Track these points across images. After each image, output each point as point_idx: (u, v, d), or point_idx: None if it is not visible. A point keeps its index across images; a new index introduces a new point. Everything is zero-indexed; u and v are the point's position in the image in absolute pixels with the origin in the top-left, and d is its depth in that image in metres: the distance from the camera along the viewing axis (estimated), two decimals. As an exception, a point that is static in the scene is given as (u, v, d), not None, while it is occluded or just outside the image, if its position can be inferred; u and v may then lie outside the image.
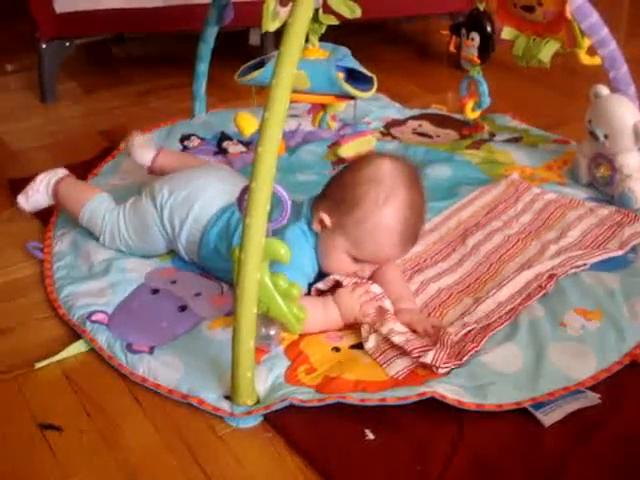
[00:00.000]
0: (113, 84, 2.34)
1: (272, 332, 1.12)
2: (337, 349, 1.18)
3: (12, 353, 1.21)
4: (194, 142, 1.88)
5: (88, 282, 1.33)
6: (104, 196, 1.45)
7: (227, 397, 1.08)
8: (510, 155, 1.76)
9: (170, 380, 1.12)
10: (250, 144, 1.81)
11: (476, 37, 1.63)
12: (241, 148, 1.83)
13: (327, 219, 1.20)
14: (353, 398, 1.05)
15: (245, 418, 1.06)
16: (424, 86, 2.29)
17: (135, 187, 1.50)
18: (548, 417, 1.03)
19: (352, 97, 1.31)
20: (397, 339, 1.14)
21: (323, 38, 1.33)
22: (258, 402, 1.07)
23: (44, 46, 2.14)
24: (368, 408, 1.05)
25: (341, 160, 1.33)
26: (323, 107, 1.38)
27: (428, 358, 1.10)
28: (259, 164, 0.95)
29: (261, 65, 1.30)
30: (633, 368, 1.12)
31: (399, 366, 1.12)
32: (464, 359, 1.12)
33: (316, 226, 1.22)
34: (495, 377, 1.09)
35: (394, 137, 1.91)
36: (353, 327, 1.21)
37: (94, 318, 1.24)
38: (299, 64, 0.97)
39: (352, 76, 1.31)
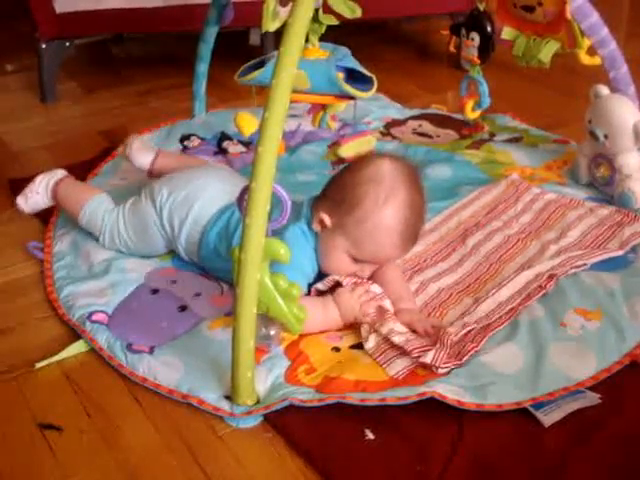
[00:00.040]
0: (113, 84, 2.34)
1: (272, 332, 1.12)
2: (337, 349, 1.17)
3: (12, 353, 1.21)
4: (194, 142, 1.88)
5: (88, 282, 1.33)
6: (103, 197, 1.45)
7: (227, 397, 1.08)
8: (510, 155, 1.76)
9: (170, 380, 1.12)
10: (250, 144, 1.81)
11: (476, 37, 1.63)
12: (241, 148, 1.83)
13: (327, 219, 1.20)
14: (353, 398, 1.05)
15: (245, 418, 1.06)
16: (424, 86, 2.29)
17: (135, 187, 1.50)
18: (548, 417, 1.03)
19: (352, 97, 1.30)
20: (397, 339, 1.14)
21: (323, 38, 1.33)
22: (258, 402, 1.07)
23: (44, 46, 2.14)
24: (368, 408, 1.05)
25: (341, 160, 1.33)
26: (323, 107, 1.38)
27: (428, 358, 1.10)
28: (259, 164, 0.95)
29: (261, 65, 1.30)
30: (633, 368, 1.12)
31: (399, 366, 1.12)
32: (464, 359, 1.12)
33: (316, 226, 1.22)
34: (495, 377, 1.09)
35: (394, 137, 1.90)
36: (353, 327, 1.21)
37: (94, 318, 1.24)
38: (299, 64, 0.97)
39: (352, 76, 1.31)
